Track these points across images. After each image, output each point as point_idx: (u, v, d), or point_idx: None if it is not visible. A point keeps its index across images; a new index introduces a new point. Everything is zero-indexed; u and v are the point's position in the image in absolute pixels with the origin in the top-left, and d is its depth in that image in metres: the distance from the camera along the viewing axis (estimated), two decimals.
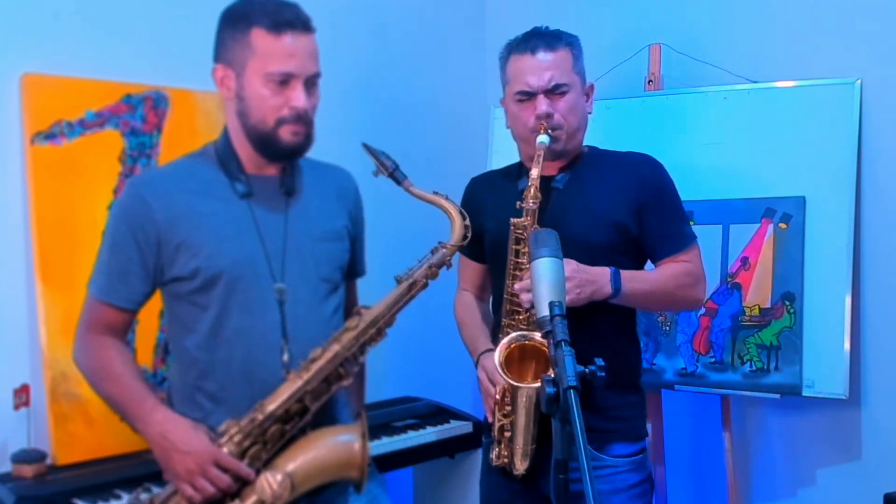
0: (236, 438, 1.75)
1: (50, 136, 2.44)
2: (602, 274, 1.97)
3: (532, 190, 1.99)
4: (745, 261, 2.70)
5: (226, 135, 1.86)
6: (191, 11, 2.69)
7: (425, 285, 1.85)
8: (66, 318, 2.44)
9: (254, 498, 1.74)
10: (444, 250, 1.86)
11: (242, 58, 1.75)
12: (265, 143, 1.79)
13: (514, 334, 1.95)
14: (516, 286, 1.99)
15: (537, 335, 1.91)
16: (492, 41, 3.62)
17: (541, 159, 2.00)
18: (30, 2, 2.45)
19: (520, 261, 2.01)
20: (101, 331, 1.84)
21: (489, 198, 2.20)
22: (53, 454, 2.39)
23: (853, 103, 2.61)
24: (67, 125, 2.48)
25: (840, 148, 2.62)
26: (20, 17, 2.43)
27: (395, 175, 1.85)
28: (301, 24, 1.76)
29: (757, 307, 2.67)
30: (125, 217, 1.80)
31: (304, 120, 1.78)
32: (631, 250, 2.10)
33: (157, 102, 2.65)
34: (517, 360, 1.93)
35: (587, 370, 1.35)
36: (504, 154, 3.14)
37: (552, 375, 1.34)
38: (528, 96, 2.06)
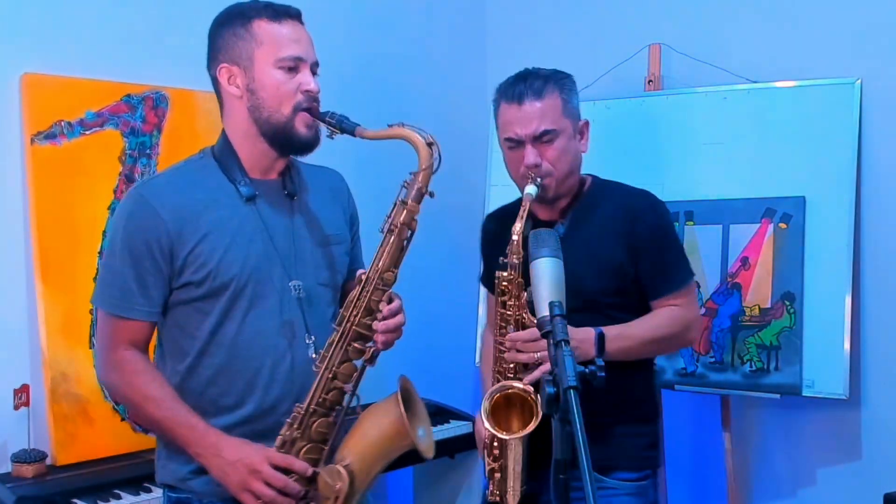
0: (286, 439, 1.74)
1: (50, 136, 2.45)
2: (586, 340, 1.93)
3: (514, 245, 1.97)
4: (745, 261, 2.69)
5: (225, 140, 1.84)
6: (191, 12, 2.68)
7: (412, 227, 1.76)
8: (66, 318, 2.44)
9: (319, 496, 1.72)
10: (414, 176, 1.76)
11: (248, 51, 1.76)
12: (280, 135, 1.79)
13: (496, 386, 1.97)
14: (506, 339, 1.99)
15: (517, 383, 1.93)
16: (492, 41, 3.63)
17: (525, 212, 1.99)
18: (30, 2, 2.45)
19: (505, 312, 2.01)
20: (126, 347, 1.78)
21: (504, 231, 2.15)
22: (53, 454, 2.39)
23: (853, 103, 2.61)
24: (67, 125, 2.48)
25: (840, 148, 2.61)
26: (20, 17, 2.43)
27: (345, 126, 1.77)
28: (296, 13, 1.81)
29: (757, 307, 2.67)
30: (138, 229, 1.75)
31: (317, 103, 1.79)
32: (632, 291, 2.10)
33: (157, 102, 2.65)
34: (504, 406, 1.96)
35: (587, 370, 1.35)
36: None
37: (552, 375, 1.34)
38: (517, 144, 2.06)
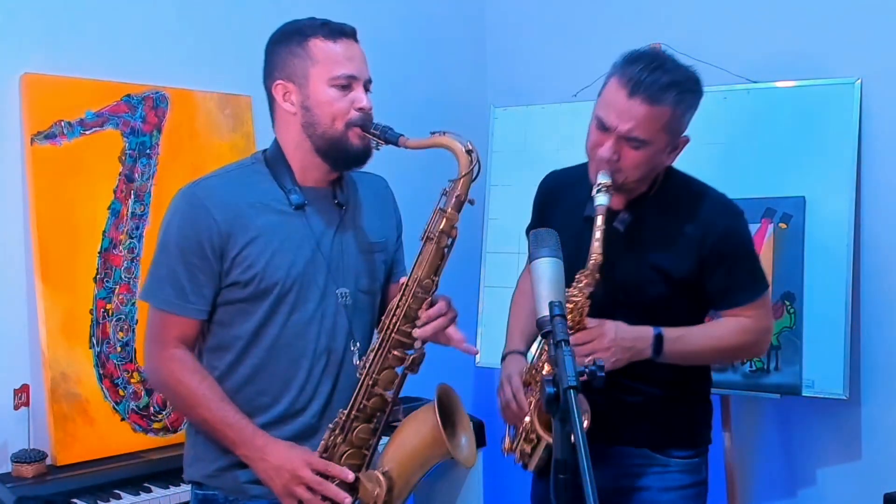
0: (328, 444, 1.77)
1: (50, 136, 2.45)
2: (642, 339, 1.91)
3: (591, 265, 1.87)
4: None
5: (277, 147, 1.87)
6: (191, 12, 2.69)
7: (451, 234, 1.78)
8: (66, 318, 2.44)
9: (360, 501, 1.75)
10: (453, 184, 1.78)
11: (304, 69, 1.80)
12: (335, 150, 1.82)
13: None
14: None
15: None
16: (492, 41, 3.63)
17: (601, 231, 1.88)
18: (30, 2, 2.46)
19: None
20: (177, 344, 1.81)
21: (563, 197, 2.13)
22: (53, 454, 2.39)
23: (853, 103, 2.61)
24: (67, 125, 2.48)
25: (840, 148, 2.62)
26: (20, 17, 2.44)
27: (389, 137, 1.80)
28: (351, 32, 1.85)
29: None
30: (192, 229, 1.78)
31: (370, 119, 1.82)
32: (691, 299, 2.01)
33: (157, 102, 2.65)
34: None
35: (587, 370, 1.35)
36: (504, 154, 3.14)
37: (552, 375, 1.34)
38: (605, 129, 1.92)
